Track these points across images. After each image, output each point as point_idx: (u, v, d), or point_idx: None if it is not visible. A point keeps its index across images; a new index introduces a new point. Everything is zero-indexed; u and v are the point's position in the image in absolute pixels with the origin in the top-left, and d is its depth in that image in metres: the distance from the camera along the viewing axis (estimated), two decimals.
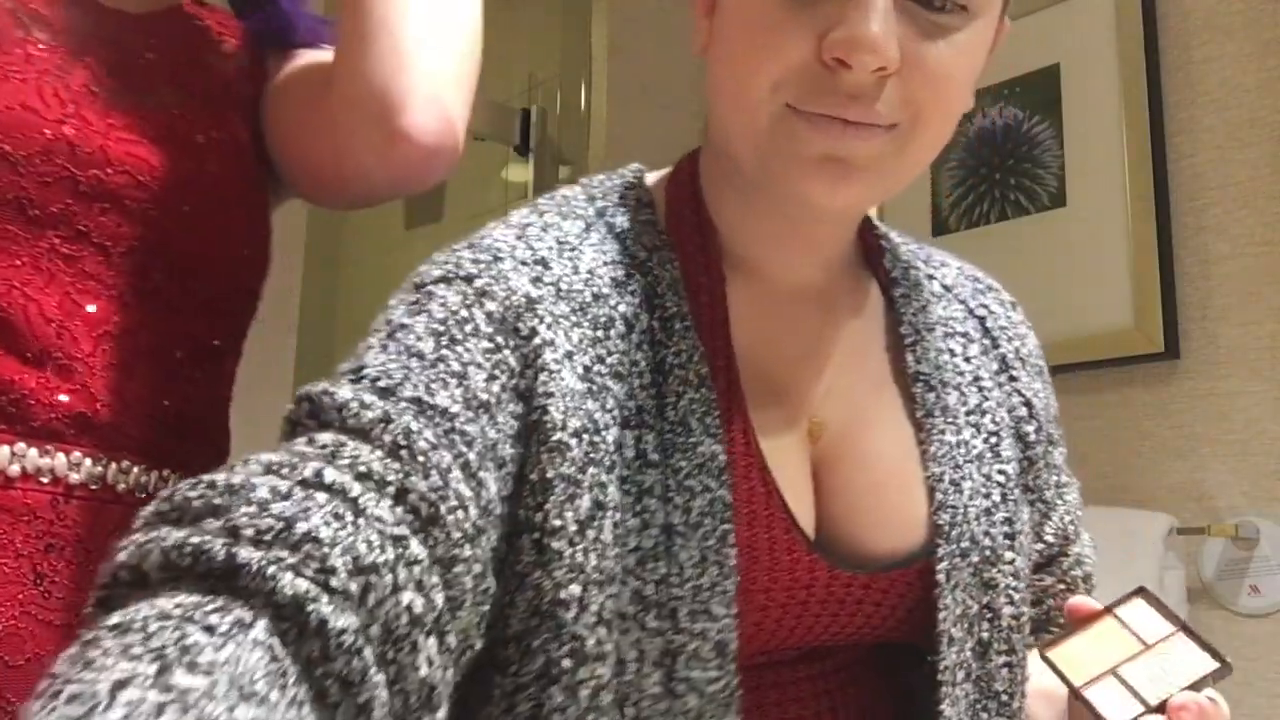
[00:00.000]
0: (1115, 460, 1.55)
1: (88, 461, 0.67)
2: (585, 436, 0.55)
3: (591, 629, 0.54)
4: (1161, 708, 0.56)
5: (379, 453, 0.48)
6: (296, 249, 1.18)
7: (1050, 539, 0.77)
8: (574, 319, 0.58)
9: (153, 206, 0.71)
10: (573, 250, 0.61)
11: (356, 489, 0.46)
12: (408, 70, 0.72)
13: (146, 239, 0.71)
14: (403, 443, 0.49)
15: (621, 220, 0.65)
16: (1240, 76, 1.53)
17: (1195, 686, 0.57)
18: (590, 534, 0.54)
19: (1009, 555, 0.68)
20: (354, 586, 0.43)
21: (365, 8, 0.72)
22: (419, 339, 0.54)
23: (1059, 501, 0.78)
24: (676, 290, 0.62)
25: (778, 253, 0.67)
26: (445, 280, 0.58)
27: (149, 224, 0.71)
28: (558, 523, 0.54)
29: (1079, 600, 0.65)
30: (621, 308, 0.60)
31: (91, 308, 0.68)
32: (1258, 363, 1.47)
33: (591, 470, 0.55)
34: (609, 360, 0.58)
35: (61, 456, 0.66)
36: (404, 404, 0.50)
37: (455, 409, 0.52)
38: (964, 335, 0.73)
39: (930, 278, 0.75)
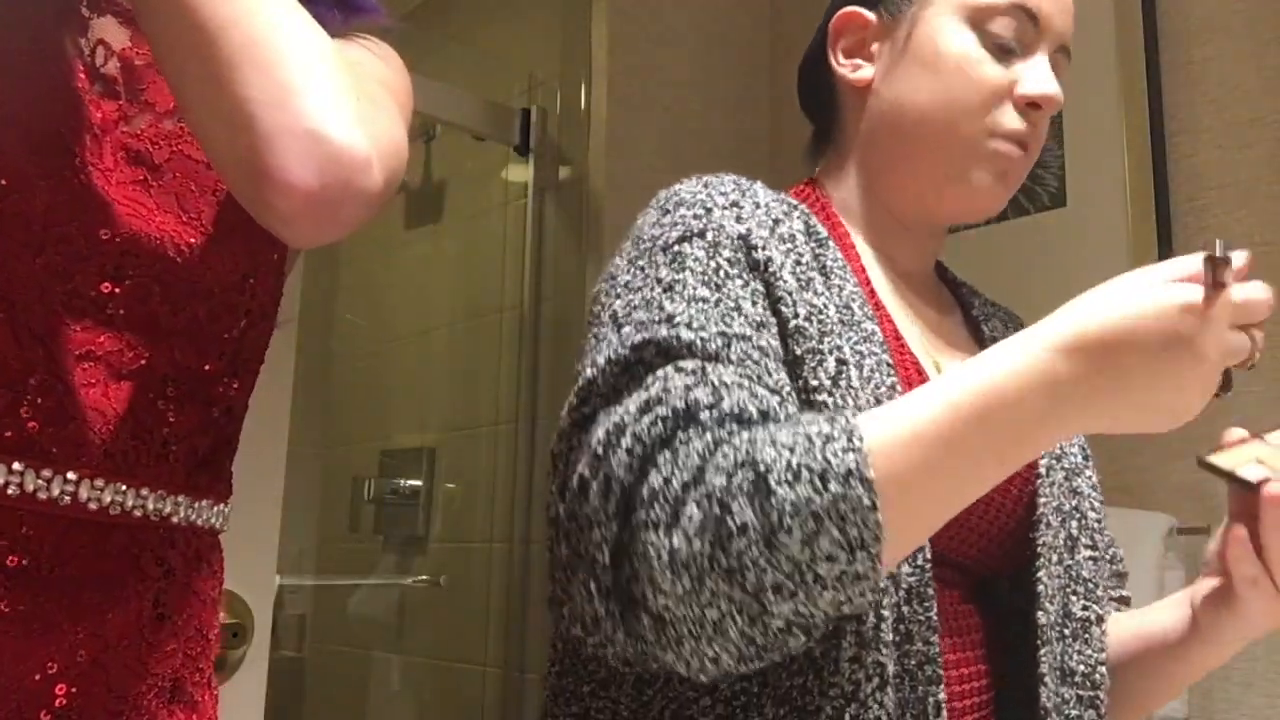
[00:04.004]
0: (1115, 460, 1.55)
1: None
2: (814, 317, 0.72)
3: None
4: None
5: (734, 366, 0.66)
6: (296, 252, 1.18)
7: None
8: (773, 239, 0.75)
9: None
10: (748, 189, 0.78)
11: (746, 382, 0.66)
12: (271, 96, 0.57)
13: None
14: (743, 356, 0.67)
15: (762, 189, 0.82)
16: (1240, 76, 1.53)
17: None
18: (843, 383, 0.70)
19: (1088, 471, 0.88)
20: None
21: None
22: (696, 288, 0.70)
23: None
24: (820, 227, 0.80)
25: (903, 249, 0.88)
26: (685, 239, 0.73)
27: None
28: (815, 382, 0.70)
29: (1236, 430, 0.81)
30: (795, 226, 0.78)
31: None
32: (1258, 363, 1.47)
33: (828, 339, 0.71)
34: (804, 260, 0.75)
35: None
36: (720, 335, 0.67)
37: (749, 333, 0.68)
38: (1011, 329, 0.95)
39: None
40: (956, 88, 0.81)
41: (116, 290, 0.68)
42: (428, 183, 2.52)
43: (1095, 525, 0.86)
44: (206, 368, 0.73)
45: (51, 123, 0.67)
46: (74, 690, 0.65)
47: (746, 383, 0.65)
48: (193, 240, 0.71)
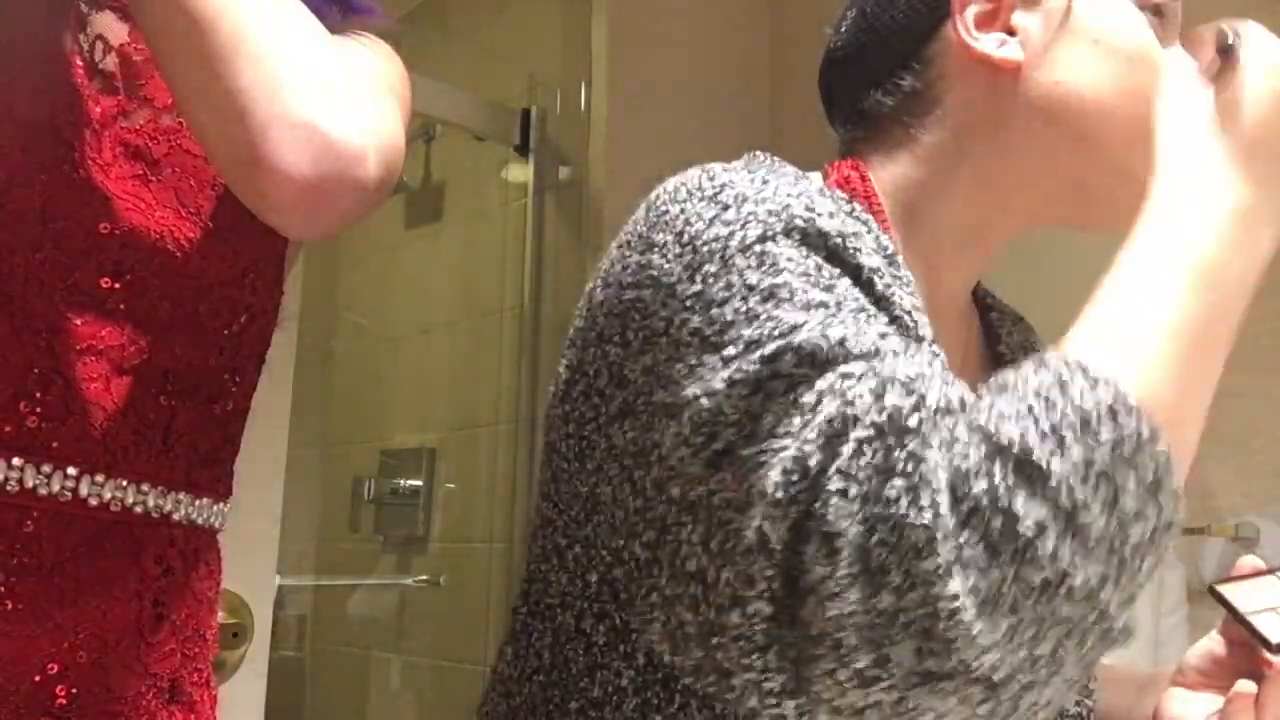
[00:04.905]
0: None
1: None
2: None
3: None
4: None
5: (906, 357, 0.54)
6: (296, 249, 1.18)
7: None
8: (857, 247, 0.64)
9: None
10: (805, 191, 0.63)
11: (929, 370, 0.54)
12: (263, 82, 0.56)
13: None
14: (904, 348, 0.55)
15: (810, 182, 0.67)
16: None
17: None
18: None
19: None
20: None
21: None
22: (807, 292, 0.56)
23: None
24: (885, 239, 0.67)
25: (958, 267, 0.78)
26: (767, 238, 0.59)
27: None
28: None
29: (1249, 558, 0.75)
30: (867, 242, 0.64)
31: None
32: (1257, 363, 1.47)
33: None
34: (882, 276, 0.63)
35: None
36: (864, 333, 0.55)
37: (891, 330, 0.57)
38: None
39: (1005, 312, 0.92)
40: (1142, 76, 0.71)
41: (116, 285, 0.68)
42: (428, 183, 2.52)
43: None
44: (208, 363, 0.73)
45: (50, 118, 0.67)
46: (74, 691, 0.65)
47: (930, 370, 0.52)
48: (192, 235, 0.71)
